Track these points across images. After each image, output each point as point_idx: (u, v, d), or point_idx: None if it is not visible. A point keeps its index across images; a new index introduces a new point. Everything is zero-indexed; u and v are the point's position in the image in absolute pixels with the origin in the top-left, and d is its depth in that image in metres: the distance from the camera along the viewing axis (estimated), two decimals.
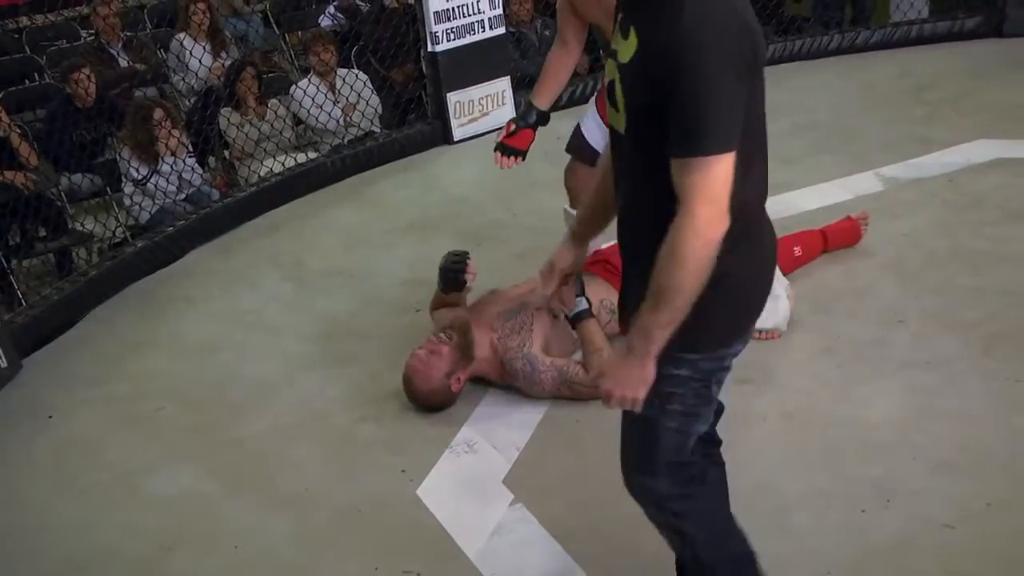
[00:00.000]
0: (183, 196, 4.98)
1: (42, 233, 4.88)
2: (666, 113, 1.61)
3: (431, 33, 5.36)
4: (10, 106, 5.35)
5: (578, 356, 3.07)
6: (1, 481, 3.07)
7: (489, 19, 5.52)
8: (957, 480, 2.55)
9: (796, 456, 2.73)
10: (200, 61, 5.87)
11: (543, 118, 3.36)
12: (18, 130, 4.89)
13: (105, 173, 5.15)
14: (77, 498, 2.95)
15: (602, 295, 3.11)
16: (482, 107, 5.61)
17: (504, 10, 5.65)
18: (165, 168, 4.89)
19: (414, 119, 5.84)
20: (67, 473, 3.07)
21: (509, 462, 2.85)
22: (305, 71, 5.97)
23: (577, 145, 3.52)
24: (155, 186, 4.88)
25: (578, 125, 3.57)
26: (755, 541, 2.36)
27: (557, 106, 4.38)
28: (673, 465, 1.90)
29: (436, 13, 5.33)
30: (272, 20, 7.16)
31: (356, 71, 5.72)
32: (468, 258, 3.24)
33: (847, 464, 2.67)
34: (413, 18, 5.61)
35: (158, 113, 4.86)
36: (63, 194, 5.10)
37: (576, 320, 2.86)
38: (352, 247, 4.45)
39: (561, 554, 2.47)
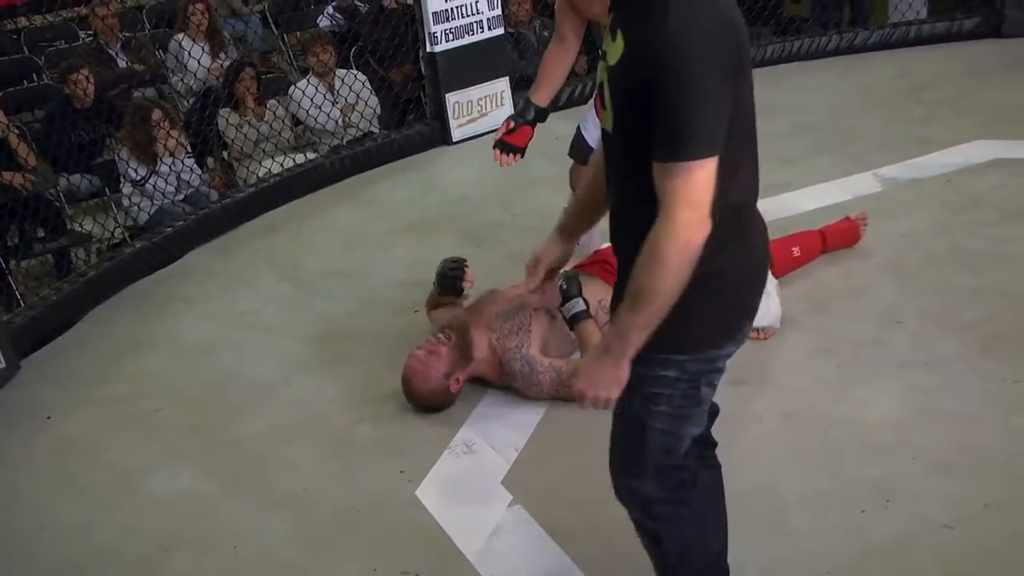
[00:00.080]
0: (182, 197, 4.98)
1: (40, 234, 4.87)
2: (651, 115, 1.61)
3: (430, 33, 5.36)
4: (8, 107, 5.34)
5: (577, 357, 3.06)
6: (0, 481, 3.07)
7: (488, 20, 5.53)
8: (956, 480, 2.55)
9: (794, 457, 2.73)
10: (199, 62, 5.87)
11: (542, 115, 3.35)
12: (16, 131, 4.89)
13: (104, 174, 5.15)
14: (76, 498, 2.95)
15: (600, 295, 3.10)
16: (481, 108, 5.61)
17: (503, 11, 5.65)
18: (164, 169, 4.89)
19: (413, 120, 5.84)
20: (66, 474, 3.07)
21: (508, 463, 2.85)
22: (304, 72, 5.97)
23: (579, 147, 3.53)
24: (154, 187, 4.88)
25: (579, 127, 3.57)
26: (753, 542, 2.37)
27: (556, 106, 4.39)
28: (662, 468, 1.89)
29: (435, 14, 5.33)
30: (271, 20, 7.16)
31: (355, 72, 5.72)
32: (465, 265, 3.24)
33: (846, 465, 2.67)
34: (412, 19, 5.61)
35: (157, 114, 4.86)
36: (62, 195, 5.10)
37: (574, 321, 2.86)
38: (351, 248, 4.45)
39: (560, 555, 2.47)
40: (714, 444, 2.09)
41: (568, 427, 2.94)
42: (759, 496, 2.55)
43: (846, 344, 3.20)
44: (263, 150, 5.39)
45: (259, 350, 3.65)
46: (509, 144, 3.34)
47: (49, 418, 3.38)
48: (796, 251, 3.58)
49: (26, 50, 6.45)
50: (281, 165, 5.24)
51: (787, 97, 5.49)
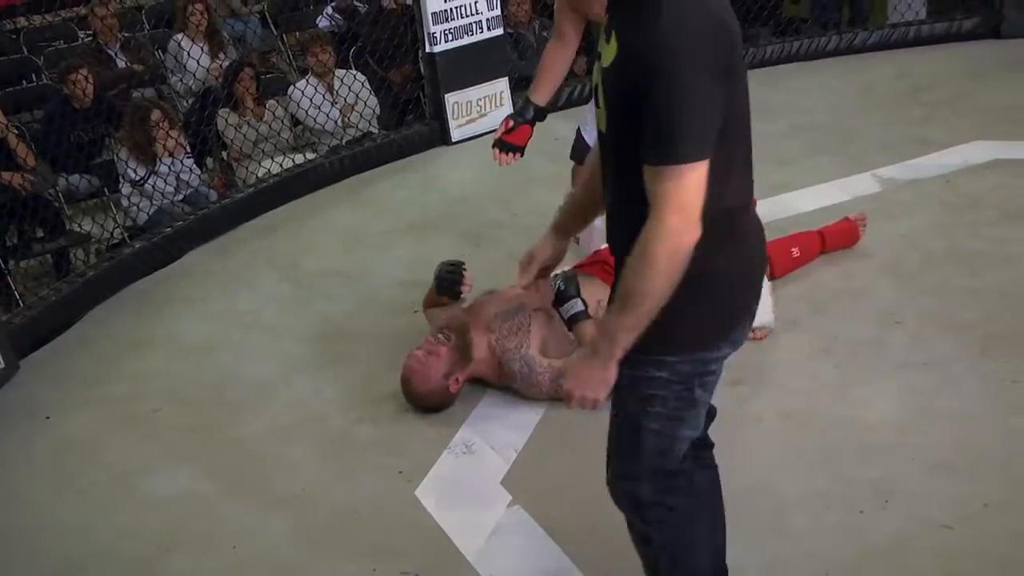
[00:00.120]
0: (181, 197, 4.98)
1: (40, 234, 4.87)
2: (642, 117, 1.60)
3: (429, 34, 5.36)
4: (8, 107, 5.34)
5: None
6: None
7: (487, 20, 5.53)
8: (955, 481, 2.55)
9: (794, 457, 2.73)
10: (198, 62, 5.87)
11: (540, 114, 3.33)
12: (15, 131, 4.88)
13: (103, 174, 5.15)
14: (75, 499, 2.95)
15: (599, 296, 3.09)
16: (480, 108, 5.61)
17: (502, 11, 5.65)
18: (163, 169, 4.89)
19: (412, 120, 5.84)
20: (65, 474, 3.07)
21: (507, 463, 2.85)
22: (303, 72, 5.97)
23: (579, 148, 3.52)
24: (153, 187, 4.88)
25: (579, 128, 3.57)
26: (753, 542, 2.37)
27: (555, 106, 4.40)
28: (657, 471, 1.88)
29: (434, 14, 5.33)
30: (270, 21, 7.16)
31: (354, 72, 5.71)
32: (464, 268, 3.24)
33: (845, 465, 2.67)
34: (411, 19, 5.61)
35: (156, 114, 4.86)
36: (60, 195, 5.09)
37: (572, 321, 2.86)
38: (350, 248, 4.45)
39: (559, 555, 2.47)
40: (711, 445, 2.09)
41: (567, 427, 2.94)
42: (758, 496, 2.56)
43: (845, 344, 3.20)
44: (262, 150, 5.39)
45: (258, 350, 3.65)
46: (508, 143, 3.34)
47: (48, 418, 3.38)
48: (795, 252, 3.59)
49: (25, 50, 6.45)
50: (280, 165, 5.24)
51: (786, 98, 5.49)
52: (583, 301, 2.86)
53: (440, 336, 3.08)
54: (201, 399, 3.39)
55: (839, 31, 6.37)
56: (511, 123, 3.32)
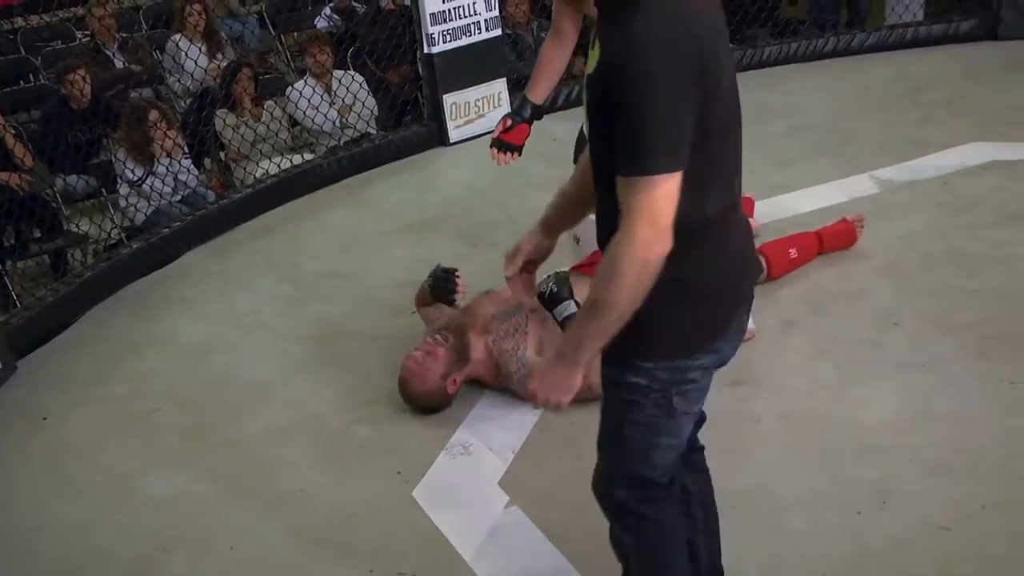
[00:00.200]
0: (179, 197, 4.98)
1: (37, 234, 4.87)
2: (615, 127, 1.59)
3: (427, 35, 5.36)
4: (5, 107, 5.34)
5: None
6: None
7: (485, 21, 5.53)
8: (953, 482, 2.56)
9: (792, 458, 2.73)
10: (196, 62, 5.87)
11: (538, 112, 3.31)
12: (13, 131, 4.88)
13: (100, 174, 5.15)
14: (73, 499, 2.94)
15: None
16: (478, 109, 5.61)
17: (500, 12, 5.65)
18: (160, 169, 4.89)
19: (410, 121, 5.84)
20: (63, 474, 3.07)
21: (505, 464, 2.85)
22: (301, 72, 5.97)
23: (581, 149, 3.51)
24: (150, 187, 4.88)
25: (581, 128, 3.56)
26: (751, 543, 2.37)
27: (553, 107, 4.41)
28: (637, 477, 1.87)
29: (432, 15, 5.33)
30: (268, 21, 7.16)
31: (352, 73, 5.72)
32: (457, 275, 3.24)
33: (843, 466, 2.67)
34: (409, 20, 5.61)
35: (153, 114, 4.86)
36: (58, 195, 5.09)
37: (566, 323, 2.86)
38: (348, 249, 4.45)
39: (556, 556, 2.47)
40: (701, 448, 2.08)
41: (564, 429, 2.94)
42: (757, 496, 2.56)
43: (843, 345, 3.20)
44: (260, 151, 5.39)
45: (257, 351, 3.65)
46: (506, 143, 3.32)
47: (46, 419, 3.37)
48: (793, 253, 3.59)
49: (23, 50, 6.45)
50: (278, 166, 5.24)
51: (784, 99, 5.50)
52: (576, 303, 2.86)
53: (438, 337, 3.08)
54: (199, 400, 3.38)
55: (837, 32, 6.38)
56: (509, 122, 3.30)
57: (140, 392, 3.47)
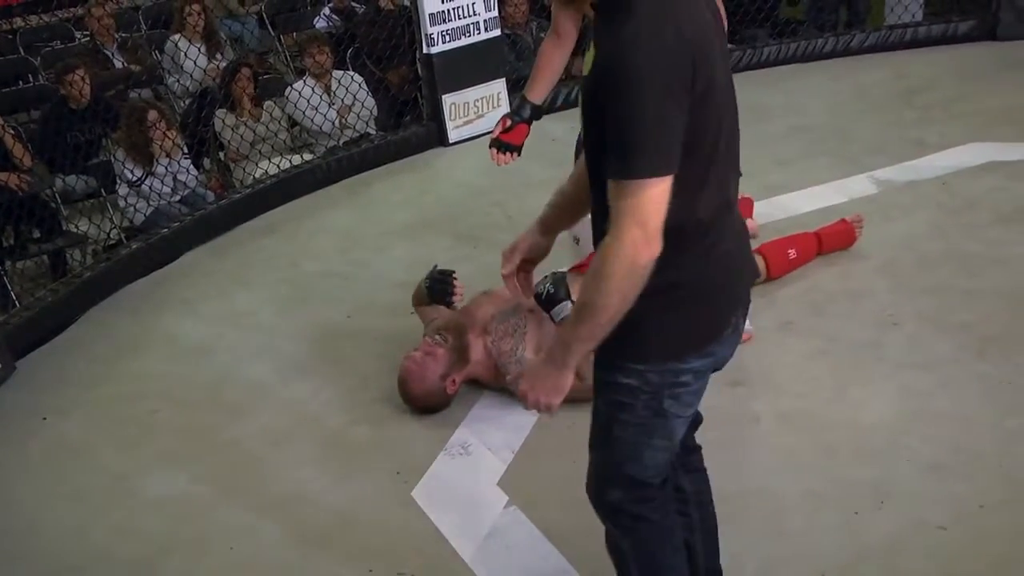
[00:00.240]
0: (178, 198, 4.98)
1: (36, 235, 4.87)
2: (606, 130, 1.60)
3: (426, 35, 5.37)
4: (4, 107, 5.35)
5: None
6: None
7: (484, 21, 5.53)
8: (950, 482, 2.56)
9: (791, 458, 2.73)
10: (195, 63, 5.87)
11: (537, 112, 3.31)
12: (12, 131, 4.88)
13: (100, 175, 5.15)
14: (72, 499, 2.95)
15: None
16: (477, 109, 5.62)
17: (499, 12, 5.66)
18: (160, 170, 4.89)
19: (409, 121, 5.85)
20: (62, 474, 3.07)
21: (504, 464, 2.86)
22: (300, 73, 5.97)
23: (581, 152, 3.51)
24: (150, 188, 4.88)
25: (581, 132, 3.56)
26: (749, 543, 2.38)
27: (552, 108, 4.42)
28: (629, 478, 1.86)
29: (431, 15, 5.33)
30: (267, 21, 7.17)
31: (351, 73, 5.72)
32: (454, 277, 3.24)
33: (841, 466, 2.67)
34: (408, 20, 5.61)
35: (153, 115, 4.86)
36: (57, 196, 5.09)
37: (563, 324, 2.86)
38: (347, 249, 4.45)
39: (556, 556, 2.47)
40: (697, 448, 2.08)
41: (564, 429, 2.93)
42: (755, 496, 2.56)
43: (842, 345, 3.20)
44: (259, 151, 5.39)
45: (256, 351, 3.65)
46: (506, 143, 3.32)
47: (45, 419, 3.38)
48: (792, 253, 3.60)
49: (22, 50, 6.45)
50: (278, 166, 5.24)
51: (784, 99, 5.50)
52: (573, 303, 2.86)
53: (437, 337, 3.08)
54: (198, 400, 3.39)
55: (836, 33, 6.39)
56: (508, 122, 3.30)
57: (139, 392, 3.47)
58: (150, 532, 2.76)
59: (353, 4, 6.98)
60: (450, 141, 5.56)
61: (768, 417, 2.91)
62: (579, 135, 3.54)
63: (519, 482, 2.77)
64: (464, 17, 5.44)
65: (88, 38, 6.31)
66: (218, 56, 6.04)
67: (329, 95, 5.55)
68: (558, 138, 3.49)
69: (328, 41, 5.81)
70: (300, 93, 5.48)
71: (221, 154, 5.57)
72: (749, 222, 3.83)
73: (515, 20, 6.12)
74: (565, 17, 3.18)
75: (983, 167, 4.35)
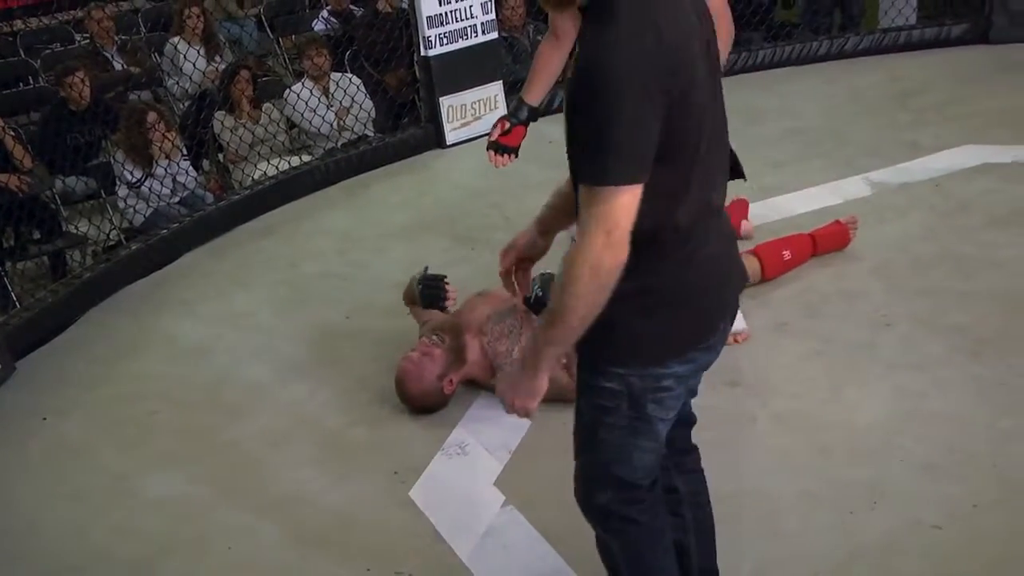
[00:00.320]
0: (177, 199, 4.99)
1: (36, 236, 4.89)
2: (578, 135, 1.60)
3: (424, 37, 5.38)
4: (5, 109, 5.36)
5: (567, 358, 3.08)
6: None
7: (482, 24, 5.55)
8: (944, 482, 2.58)
9: (785, 458, 2.75)
10: (194, 65, 5.89)
11: (534, 114, 3.32)
12: (12, 133, 4.90)
13: (99, 176, 5.16)
14: (71, 500, 2.95)
15: None
16: (475, 111, 5.64)
17: (497, 15, 5.68)
18: (159, 171, 4.91)
19: (407, 123, 5.87)
20: (61, 475, 3.08)
21: (501, 464, 2.87)
22: (299, 75, 5.99)
23: None
24: (149, 189, 4.90)
25: None
26: (744, 543, 2.39)
27: (550, 110, 4.41)
28: (617, 480, 1.86)
29: (429, 18, 5.35)
30: (266, 24, 7.18)
31: (350, 75, 5.74)
32: (446, 282, 3.25)
33: (836, 466, 2.69)
34: (406, 22, 5.63)
35: (152, 116, 4.88)
36: (57, 197, 5.11)
37: None
38: (345, 250, 4.47)
39: (553, 556, 2.49)
40: (693, 449, 2.08)
41: (561, 429, 2.92)
42: (751, 497, 2.57)
43: (837, 346, 3.22)
44: (258, 153, 5.41)
45: (255, 352, 3.66)
46: (503, 145, 3.33)
47: (45, 420, 3.39)
48: (787, 254, 3.62)
49: (22, 52, 6.47)
50: (276, 168, 5.26)
51: (778, 102, 5.53)
52: None
53: (434, 338, 3.10)
54: (197, 401, 3.40)
55: (830, 36, 6.41)
56: (506, 124, 3.32)
57: (139, 393, 3.48)
58: (150, 532, 2.77)
59: (351, 7, 7.00)
60: (448, 143, 5.58)
61: (763, 418, 2.93)
62: None
63: (516, 482, 2.78)
64: (462, 20, 5.46)
65: (88, 40, 6.33)
66: (217, 58, 6.06)
67: (327, 97, 5.56)
68: (555, 140, 3.47)
69: (326, 43, 5.84)
70: (299, 95, 5.49)
71: (220, 156, 5.59)
72: (744, 223, 3.87)
73: (512, 23, 6.14)
74: (564, 18, 3.16)
75: (976, 169, 4.37)
